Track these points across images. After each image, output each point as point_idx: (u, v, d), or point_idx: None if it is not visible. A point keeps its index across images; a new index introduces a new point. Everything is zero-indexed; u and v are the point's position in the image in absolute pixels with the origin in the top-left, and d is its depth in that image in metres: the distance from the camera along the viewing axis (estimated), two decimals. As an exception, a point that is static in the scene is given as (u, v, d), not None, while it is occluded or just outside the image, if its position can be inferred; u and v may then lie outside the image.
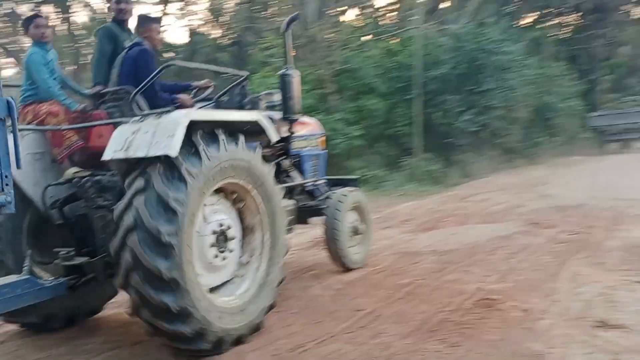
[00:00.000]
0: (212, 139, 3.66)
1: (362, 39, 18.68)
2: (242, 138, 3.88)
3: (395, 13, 23.15)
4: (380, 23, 21.68)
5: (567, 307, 4.48)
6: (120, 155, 3.48)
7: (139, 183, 3.37)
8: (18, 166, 3.09)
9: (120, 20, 4.85)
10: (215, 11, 20.77)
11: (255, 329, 4.00)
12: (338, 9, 18.92)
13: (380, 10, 23.53)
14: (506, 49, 16.46)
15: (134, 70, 4.31)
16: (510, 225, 7.93)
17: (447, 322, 4.27)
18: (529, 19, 28.25)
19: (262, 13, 20.66)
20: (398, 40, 18.64)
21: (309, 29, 16.03)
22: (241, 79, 4.65)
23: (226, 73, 4.98)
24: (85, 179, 3.91)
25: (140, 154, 3.39)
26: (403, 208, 10.87)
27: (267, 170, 4.14)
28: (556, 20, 29.06)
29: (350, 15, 21.61)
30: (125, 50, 4.50)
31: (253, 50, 18.78)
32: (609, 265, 5.71)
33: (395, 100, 16.97)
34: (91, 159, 4.13)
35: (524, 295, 4.81)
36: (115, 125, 3.86)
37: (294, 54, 17.62)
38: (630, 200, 9.65)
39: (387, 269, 5.97)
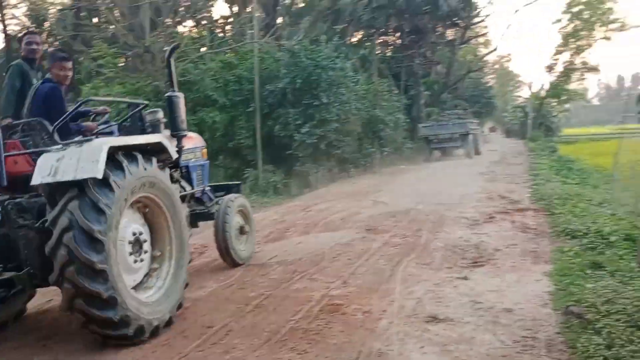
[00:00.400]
0: (124, 161, 4.22)
1: (202, 50, 18.48)
2: (153, 159, 4.65)
3: (231, 27, 23.27)
4: (219, 35, 21.64)
5: (402, 305, 4.91)
6: (49, 179, 3.91)
7: (72, 194, 3.95)
8: (2, 183, 4.04)
9: (30, 59, 5.25)
10: (37, 17, 18.99)
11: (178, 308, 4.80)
12: (173, 20, 18.49)
13: (217, 23, 23.48)
14: (338, 65, 17.39)
15: (45, 104, 4.69)
16: (350, 232, 8.42)
17: (296, 331, 4.43)
18: (358, 37, 30.28)
19: (91, 20, 19.41)
20: (236, 54, 18.76)
21: (142, 39, 15.43)
22: (141, 107, 5.30)
23: (125, 102, 6.24)
24: (6, 202, 4.28)
25: (68, 177, 3.87)
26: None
27: (166, 178, 4.85)
28: (381, 40, 31.52)
29: (187, 26, 21.28)
30: (35, 86, 4.88)
31: (82, 59, 17.57)
32: (435, 264, 6.38)
33: (236, 113, 17.02)
34: (8, 183, 4.40)
35: (365, 298, 5.17)
36: (32, 153, 4.40)
37: (123, 63, 16.78)
38: (448, 204, 10.81)
39: (236, 283, 6.00)
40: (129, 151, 4.33)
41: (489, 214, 9.55)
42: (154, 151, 4.74)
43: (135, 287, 4.44)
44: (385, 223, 9.13)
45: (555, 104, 50.18)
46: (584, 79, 44.39)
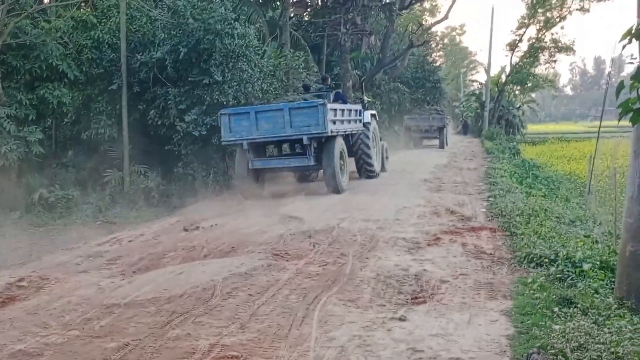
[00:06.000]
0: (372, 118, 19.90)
1: (44, 1, 17.83)
2: (375, 118, 20.65)
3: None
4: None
5: (319, 356, 4.98)
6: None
7: (362, 131, 18.41)
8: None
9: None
10: None
11: None
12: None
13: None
14: (238, 30, 17.30)
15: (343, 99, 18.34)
16: (251, 258, 8.42)
17: (175, 395, 4.39)
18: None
19: None
20: (94, 9, 18.24)
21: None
22: (367, 102, 21.43)
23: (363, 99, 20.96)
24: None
25: (364, 121, 18.57)
26: (109, 242, 10.69)
27: (377, 126, 20.83)
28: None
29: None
30: (334, 92, 18.57)
31: None
32: (363, 301, 6.52)
33: (93, 91, 16.56)
34: None
35: (270, 348, 5.21)
36: None
37: None
38: (382, 221, 11.09)
39: (89, 330, 5.85)
40: (373, 115, 19.94)
41: (433, 234, 9.90)
42: (373, 115, 19.96)
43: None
44: (300, 246, 9.24)
45: (518, 92, 52.75)
46: (554, 61, 46.76)
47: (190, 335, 5.57)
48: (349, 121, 16.78)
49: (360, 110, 18.22)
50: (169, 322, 5.98)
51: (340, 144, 15.68)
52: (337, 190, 15.17)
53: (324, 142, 15.30)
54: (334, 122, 14.96)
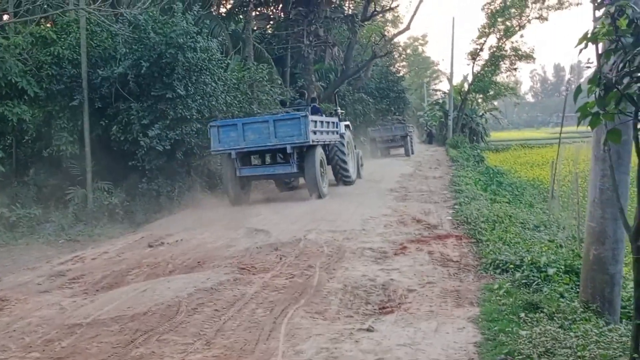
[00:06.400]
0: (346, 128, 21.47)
1: (4, 17, 17.56)
2: (349, 128, 22.37)
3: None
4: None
5: (287, 371, 4.92)
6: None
7: (339, 141, 19.55)
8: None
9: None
10: None
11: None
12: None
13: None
14: (200, 44, 17.21)
15: (318, 111, 19.62)
16: (217, 273, 8.35)
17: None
18: (227, 6, 30.24)
19: None
20: (54, 24, 18.00)
21: None
22: (341, 113, 22.01)
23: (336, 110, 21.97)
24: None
25: (340, 132, 19.88)
26: (72, 260, 10.51)
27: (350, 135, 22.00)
28: (258, 11, 31.59)
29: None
30: (311, 106, 19.52)
31: None
32: (331, 313, 6.48)
33: (54, 108, 16.31)
34: None
35: (236, 364, 5.13)
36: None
37: None
38: (348, 232, 11.12)
39: (50, 352, 5.71)
40: (347, 125, 21.43)
41: (400, 243, 9.92)
42: (347, 126, 21.62)
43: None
44: (266, 259, 9.20)
45: (481, 100, 53.40)
46: (515, 69, 47.46)
47: (154, 354, 5.46)
48: (327, 132, 18.11)
49: (336, 122, 19.50)
50: (133, 340, 5.87)
51: (320, 153, 17.04)
52: (318, 195, 16.41)
53: (305, 152, 16.52)
54: (315, 133, 16.32)
